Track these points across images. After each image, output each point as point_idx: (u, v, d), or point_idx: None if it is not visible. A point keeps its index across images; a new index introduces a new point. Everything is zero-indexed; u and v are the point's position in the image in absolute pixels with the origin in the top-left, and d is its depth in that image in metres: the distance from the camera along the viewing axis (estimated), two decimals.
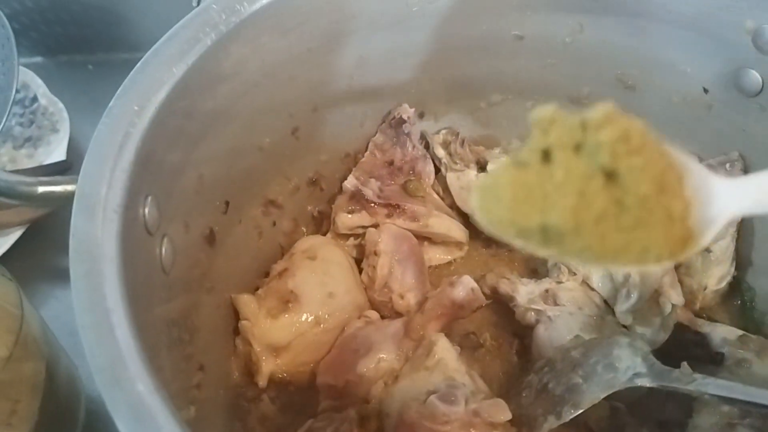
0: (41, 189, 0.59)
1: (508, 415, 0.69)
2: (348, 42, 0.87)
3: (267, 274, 0.91)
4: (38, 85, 1.26)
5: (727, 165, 0.89)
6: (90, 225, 0.55)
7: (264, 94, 0.82)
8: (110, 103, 0.64)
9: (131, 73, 0.67)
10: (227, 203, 0.83)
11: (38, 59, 1.43)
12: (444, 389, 0.71)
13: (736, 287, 0.93)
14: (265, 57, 0.80)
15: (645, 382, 0.65)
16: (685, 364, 0.68)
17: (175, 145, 0.70)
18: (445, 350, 0.78)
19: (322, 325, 0.85)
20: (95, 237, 0.54)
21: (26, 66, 1.25)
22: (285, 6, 0.78)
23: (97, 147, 0.60)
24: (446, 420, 0.68)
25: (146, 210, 0.63)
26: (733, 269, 0.91)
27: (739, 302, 0.93)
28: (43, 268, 1.09)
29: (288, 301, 0.85)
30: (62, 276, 1.06)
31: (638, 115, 0.93)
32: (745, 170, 0.89)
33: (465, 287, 0.84)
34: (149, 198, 0.64)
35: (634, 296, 0.79)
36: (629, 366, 0.66)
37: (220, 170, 0.80)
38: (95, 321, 0.48)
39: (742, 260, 0.92)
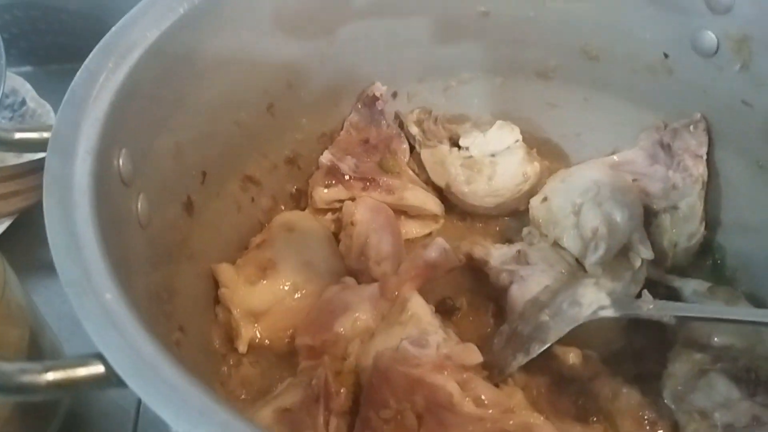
0: (18, 135, 0.61)
1: (479, 358, 0.70)
2: (317, 23, 0.91)
3: (246, 248, 0.93)
4: (27, 90, 1.29)
5: (691, 127, 0.92)
6: (63, 162, 0.57)
7: (238, 68, 0.85)
8: (86, 60, 0.67)
9: (107, 35, 0.70)
10: (204, 174, 0.85)
11: (28, 68, 1.45)
12: (417, 335, 0.72)
13: (706, 247, 0.95)
14: (238, 31, 0.83)
15: (608, 313, 0.67)
16: (645, 291, 0.70)
17: (149, 107, 0.72)
18: (418, 306, 0.79)
19: (299, 292, 0.87)
20: (68, 173, 0.56)
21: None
22: None
23: (73, 96, 0.63)
24: (417, 362, 0.69)
25: (120, 161, 0.65)
26: (702, 228, 0.93)
27: (710, 262, 0.95)
28: (31, 258, 1.10)
29: (266, 269, 0.87)
30: (50, 267, 1.07)
31: (604, 84, 0.98)
32: (708, 130, 0.92)
33: (438, 248, 0.86)
34: (123, 150, 0.66)
35: (602, 247, 0.82)
36: (593, 300, 0.68)
37: (196, 140, 0.82)
38: (65, 241, 0.51)
39: (711, 220, 0.94)
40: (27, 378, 0.44)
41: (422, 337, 0.71)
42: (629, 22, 0.92)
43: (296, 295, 0.86)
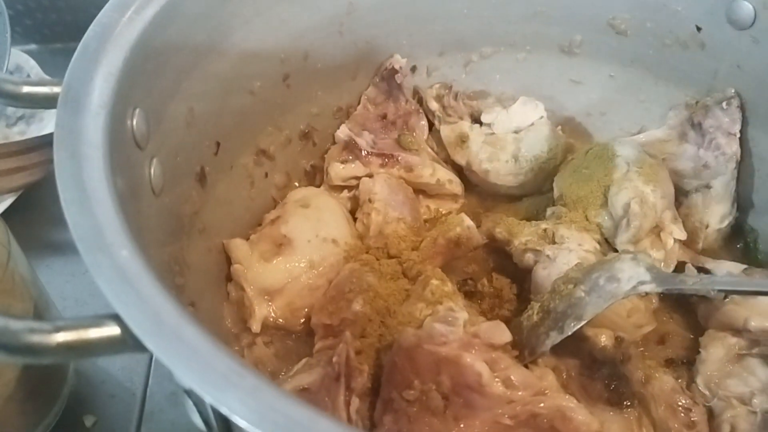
0: (26, 89, 0.57)
1: (509, 337, 0.67)
2: None
3: (260, 224, 0.89)
4: (31, 66, 1.25)
5: (724, 103, 0.89)
6: (75, 116, 0.53)
7: (254, 35, 0.82)
8: (99, 14, 0.63)
9: None
10: (218, 144, 0.82)
11: (33, 47, 1.41)
12: (442, 312, 0.69)
13: (738, 230, 0.92)
14: None
15: (649, 288, 0.63)
16: (689, 265, 0.66)
17: (163, 68, 0.68)
18: (441, 283, 0.76)
19: (315, 270, 0.83)
20: (80, 127, 0.53)
21: None
22: None
23: (85, 49, 0.59)
24: (444, 341, 0.65)
25: (134, 121, 0.62)
26: (735, 210, 0.90)
27: (741, 245, 0.92)
28: (34, 237, 1.07)
29: (281, 245, 0.83)
30: (54, 246, 1.04)
31: (632, 60, 0.95)
32: (742, 108, 0.88)
33: (461, 225, 0.83)
34: (137, 110, 0.62)
35: (634, 225, 0.78)
36: (632, 276, 0.64)
37: (210, 107, 0.79)
38: (77, 196, 0.47)
39: (743, 202, 0.91)
40: (36, 338, 0.40)
41: (448, 314, 0.68)
42: None
43: (312, 273, 0.82)
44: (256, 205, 0.91)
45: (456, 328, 0.66)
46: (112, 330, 0.41)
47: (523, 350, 0.69)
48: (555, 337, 0.66)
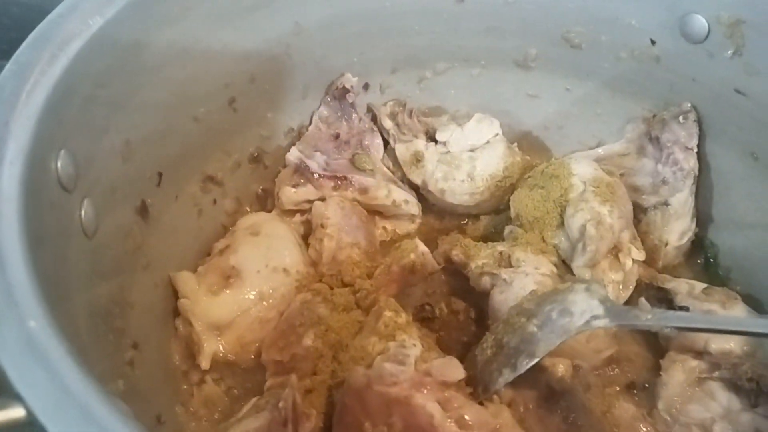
0: None
1: (462, 374, 0.64)
2: (282, 6, 0.84)
3: (209, 254, 0.86)
4: None
5: (681, 117, 0.87)
6: None
7: (196, 60, 0.78)
8: (17, 52, 0.59)
9: (42, 23, 0.63)
10: (160, 175, 0.78)
11: None
12: (393, 350, 0.66)
13: (698, 245, 0.90)
14: (195, 19, 0.76)
15: (603, 324, 0.61)
16: (642, 299, 0.65)
17: (93, 104, 0.65)
18: (395, 314, 0.73)
19: (266, 301, 0.80)
20: None
21: None
22: None
23: (1, 92, 0.55)
24: (395, 381, 0.63)
25: (59, 164, 0.58)
26: (694, 225, 0.88)
27: (702, 260, 0.91)
28: None
29: (229, 277, 0.80)
30: None
31: (588, 74, 0.93)
32: (699, 121, 0.87)
33: (414, 251, 0.80)
34: (62, 152, 0.59)
35: (591, 249, 0.76)
36: (585, 309, 0.62)
37: (149, 138, 0.75)
38: None
39: (702, 217, 0.90)
40: None
41: (399, 352, 0.65)
42: (615, 7, 0.86)
43: (262, 305, 0.80)
44: (205, 234, 0.88)
45: (407, 367, 0.64)
46: (17, 412, 0.38)
47: (478, 387, 0.66)
48: (508, 375, 0.64)
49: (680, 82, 0.87)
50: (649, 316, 0.59)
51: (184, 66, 0.77)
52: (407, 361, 0.64)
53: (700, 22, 0.81)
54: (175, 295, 0.80)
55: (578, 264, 0.78)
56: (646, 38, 0.86)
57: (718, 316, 0.62)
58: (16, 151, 0.53)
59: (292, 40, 0.88)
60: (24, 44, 0.60)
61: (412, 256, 0.80)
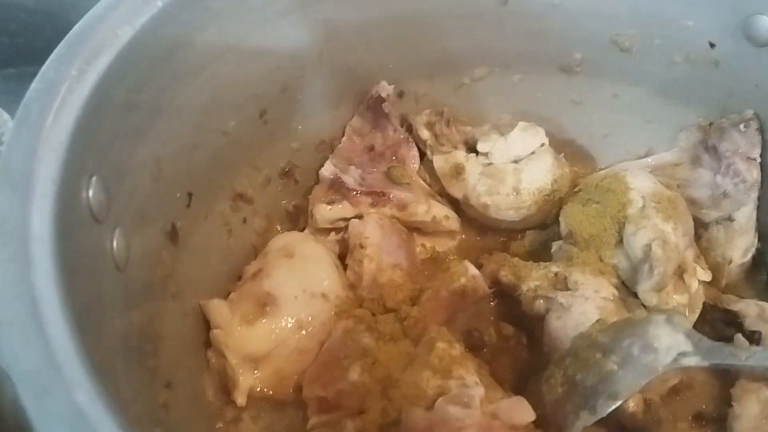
0: None
1: (532, 416, 0.59)
2: (315, 10, 0.78)
3: (239, 278, 0.80)
4: None
5: (742, 125, 0.82)
6: (16, 202, 0.44)
7: (226, 70, 0.73)
8: (42, 68, 0.53)
9: (68, 35, 0.57)
10: (190, 195, 0.73)
11: None
12: (455, 390, 0.61)
13: (759, 261, 0.85)
14: (225, 26, 0.70)
15: (693, 362, 0.56)
16: (739, 336, 0.59)
17: (123, 119, 0.59)
18: (448, 346, 0.67)
19: (305, 330, 0.74)
20: (23, 216, 0.43)
21: None
22: None
23: (27, 115, 0.50)
24: (460, 426, 0.57)
25: (90, 192, 0.52)
26: (756, 240, 0.83)
27: (764, 277, 0.85)
28: None
29: (265, 305, 0.74)
30: None
31: (637, 79, 0.87)
32: (762, 129, 0.81)
33: (465, 274, 0.75)
34: (94, 178, 0.53)
35: (659, 271, 0.70)
36: (670, 345, 0.57)
37: (180, 156, 0.70)
38: (20, 315, 0.38)
39: (764, 230, 0.84)
40: None
41: (462, 393, 0.60)
42: (670, 8, 0.81)
43: (301, 334, 0.74)
44: (235, 256, 0.82)
45: (473, 410, 0.58)
46: None
47: (549, 429, 0.61)
48: (586, 418, 0.59)
49: (741, 88, 0.82)
50: (748, 355, 0.54)
51: (215, 75, 0.71)
52: (472, 403, 0.59)
53: (766, 24, 0.75)
54: (206, 324, 0.75)
55: (644, 288, 0.72)
56: (705, 41, 0.81)
57: None
58: (46, 182, 0.47)
59: (325, 46, 0.82)
60: (49, 60, 0.54)
61: (463, 280, 0.75)
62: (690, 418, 0.72)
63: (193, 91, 0.69)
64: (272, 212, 0.87)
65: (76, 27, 0.57)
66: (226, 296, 0.78)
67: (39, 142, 0.48)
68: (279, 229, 0.88)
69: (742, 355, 0.54)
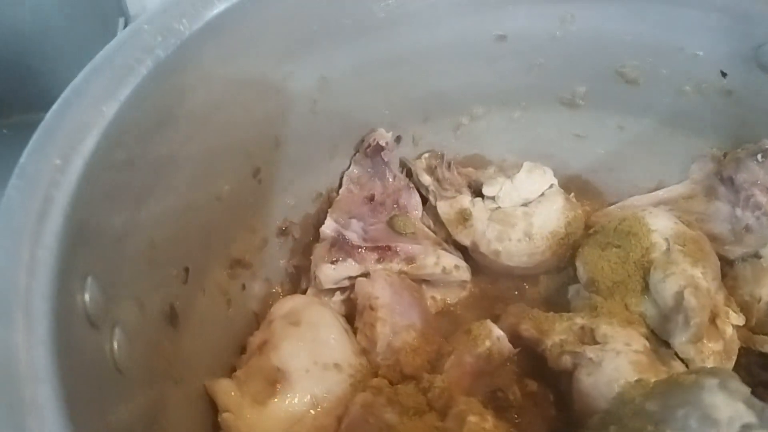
0: None
1: None
2: (307, 61, 0.73)
3: (244, 350, 0.74)
4: None
5: (759, 156, 0.78)
6: (6, 333, 0.38)
7: (216, 132, 0.67)
8: (21, 160, 0.47)
9: (47, 117, 0.51)
10: (187, 270, 0.67)
11: None
12: None
13: None
14: (214, 86, 0.65)
15: None
16: None
17: (115, 206, 0.54)
18: (480, 419, 0.63)
19: (320, 406, 0.68)
20: (16, 350, 0.37)
21: None
22: (232, 23, 0.63)
23: (9, 220, 0.43)
24: None
25: (87, 296, 0.47)
26: None
27: None
28: None
29: (275, 382, 0.68)
30: None
31: (644, 110, 0.84)
32: None
33: (489, 336, 0.70)
34: (89, 279, 0.47)
35: (695, 322, 0.66)
36: (732, 416, 0.52)
37: (174, 230, 0.64)
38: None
39: None
40: None
41: None
42: (678, 37, 0.77)
43: (318, 411, 0.68)
44: (237, 327, 0.77)
45: None
46: None
47: None
48: None
49: (755, 117, 0.79)
50: None
51: (204, 140, 0.66)
52: None
53: None
54: (214, 407, 0.69)
55: (681, 341, 0.68)
56: (716, 70, 0.78)
57: None
58: (38, 295, 0.41)
59: (318, 95, 0.77)
60: (28, 150, 0.48)
61: (487, 343, 0.70)
62: None
63: (185, 160, 0.63)
64: (272, 275, 0.82)
65: (54, 107, 0.51)
66: (230, 372, 0.72)
67: (26, 248, 0.42)
68: (280, 292, 0.83)
69: None
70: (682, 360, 0.70)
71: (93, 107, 0.52)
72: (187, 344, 0.67)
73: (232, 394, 0.68)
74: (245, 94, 0.69)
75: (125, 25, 0.67)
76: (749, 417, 0.52)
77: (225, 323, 0.75)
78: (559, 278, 0.85)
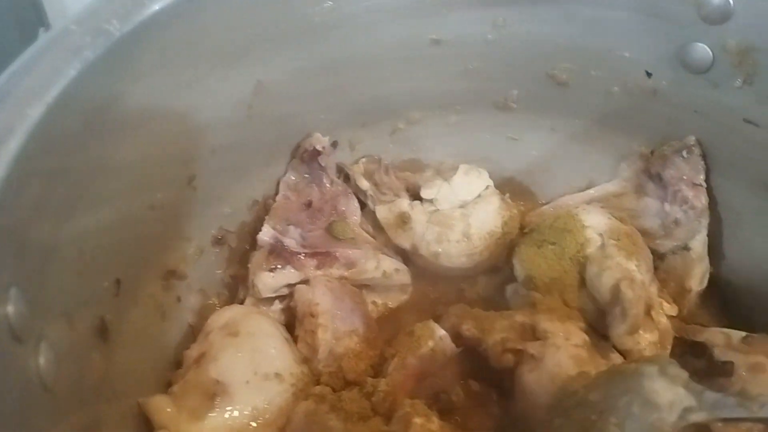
0: None
1: None
2: (243, 65, 0.72)
3: (180, 364, 0.72)
4: None
5: (684, 152, 0.81)
6: None
7: (150, 138, 0.65)
8: None
9: None
10: (118, 282, 0.65)
11: None
12: None
13: (712, 285, 0.84)
14: (147, 89, 0.63)
15: (701, 418, 0.52)
16: (744, 388, 0.57)
17: (42, 216, 0.51)
18: (425, 420, 0.62)
19: (262, 418, 0.67)
20: None
21: None
22: (165, 26, 0.62)
23: None
24: None
25: (10, 308, 0.44)
26: (709, 265, 0.82)
27: (719, 301, 0.84)
28: None
29: (214, 395, 0.66)
30: None
31: (575, 111, 0.86)
32: (704, 156, 0.81)
33: (432, 337, 0.70)
34: (13, 290, 0.45)
35: (632, 314, 0.67)
36: (673, 400, 0.53)
37: (105, 241, 0.62)
38: None
39: (714, 255, 0.83)
40: None
41: None
42: (606, 40, 0.79)
43: (259, 423, 0.67)
44: (173, 340, 0.74)
45: None
46: None
47: None
48: None
49: (680, 115, 0.81)
50: (760, 406, 0.51)
51: (137, 147, 0.64)
52: None
53: (703, 52, 0.75)
54: (148, 425, 0.66)
55: (618, 333, 0.69)
56: (642, 71, 0.80)
57: None
58: None
59: (254, 101, 0.76)
60: None
61: (430, 343, 0.70)
62: None
63: (116, 168, 0.61)
64: (208, 286, 0.80)
65: None
66: (166, 387, 0.69)
67: None
68: (217, 303, 0.80)
69: (753, 406, 0.51)
70: (620, 352, 0.71)
71: (16, 110, 0.50)
72: (119, 359, 0.64)
73: (168, 410, 0.65)
74: (179, 98, 0.67)
75: (48, 27, 0.64)
76: (689, 401, 0.53)
77: (160, 337, 0.72)
78: (496, 278, 0.86)
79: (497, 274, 0.87)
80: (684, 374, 0.55)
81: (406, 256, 0.86)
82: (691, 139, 0.81)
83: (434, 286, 0.87)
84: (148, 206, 0.68)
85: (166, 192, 0.69)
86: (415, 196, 0.86)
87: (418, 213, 0.84)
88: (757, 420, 0.52)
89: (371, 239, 0.85)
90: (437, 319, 0.77)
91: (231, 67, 0.70)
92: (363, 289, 0.83)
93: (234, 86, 0.72)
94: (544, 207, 0.91)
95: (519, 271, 0.80)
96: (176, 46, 0.62)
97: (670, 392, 0.54)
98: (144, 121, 0.63)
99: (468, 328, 0.75)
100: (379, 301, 0.84)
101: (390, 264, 0.82)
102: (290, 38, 0.73)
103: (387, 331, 0.80)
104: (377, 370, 0.72)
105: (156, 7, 0.58)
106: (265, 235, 0.78)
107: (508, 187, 0.93)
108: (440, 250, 0.82)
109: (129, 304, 0.67)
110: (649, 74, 0.80)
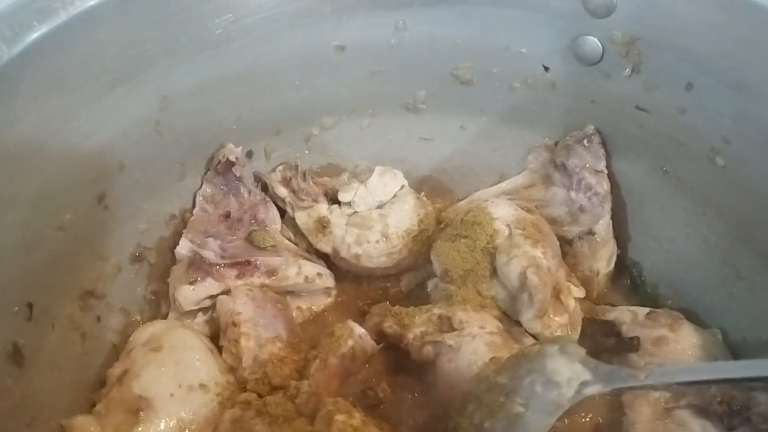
0: None
1: None
2: (144, 81, 0.72)
3: (104, 384, 0.72)
4: None
5: (585, 141, 0.85)
6: None
7: (53, 159, 0.65)
8: None
9: None
10: (30, 306, 0.64)
11: None
12: None
13: (620, 266, 0.88)
14: (44, 111, 0.63)
15: (595, 390, 0.56)
16: (634, 356, 0.60)
17: None
18: (348, 416, 0.64)
19: (188, 429, 0.68)
20: None
21: None
22: (57, 46, 0.62)
23: None
24: None
25: None
26: (615, 247, 0.86)
27: (627, 281, 0.89)
28: None
29: (138, 410, 0.67)
30: None
31: (481, 109, 0.89)
32: (604, 143, 0.85)
33: (351, 336, 0.71)
34: None
35: (539, 299, 0.70)
36: (571, 376, 0.56)
37: (12, 266, 0.61)
38: None
39: (619, 237, 0.87)
40: None
41: None
42: (503, 37, 0.83)
43: None
44: (95, 361, 0.74)
45: None
46: None
47: None
48: None
49: (578, 106, 0.85)
50: (646, 374, 0.54)
51: (40, 169, 0.64)
52: None
53: (593, 44, 0.79)
54: None
55: (528, 317, 0.72)
56: (539, 65, 0.83)
57: (727, 364, 0.58)
58: None
59: (161, 116, 0.76)
60: None
61: (350, 342, 0.71)
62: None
63: (16, 190, 0.61)
64: (129, 304, 0.79)
65: None
66: (91, 408, 0.69)
67: None
68: (139, 320, 0.80)
69: (640, 375, 0.55)
70: (532, 336, 0.74)
71: None
72: (37, 384, 0.64)
73: (92, 429, 0.65)
74: (78, 119, 0.67)
75: None
76: (585, 375, 0.56)
77: (80, 358, 0.72)
78: (419, 275, 0.88)
79: (419, 271, 0.89)
80: (582, 351, 0.58)
81: (329, 260, 0.87)
82: (591, 129, 0.85)
83: (358, 287, 0.89)
84: (57, 227, 0.68)
85: (75, 212, 0.69)
86: (334, 199, 0.88)
87: (336, 217, 0.85)
88: (647, 387, 0.55)
89: (293, 246, 0.87)
90: (362, 320, 0.80)
91: (132, 84, 0.71)
92: (287, 295, 0.84)
93: (137, 103, 0.72)
94: (460, 203, 0.93)
95: (436, 265, 0.82)
96: (70, 67, 0.63)
97: (568, 369, 0.57)
98: (44, 143, 0.63)
99: (389, 326, 0.77)
100: (304, 306, 0.85)
101: (312, 269, 0.83)
102: (193, 51, 0.74)
103: (314, 334, 0.81)
104: (302, 373, 0.74)
105: (44, 28, 0.58)
106: (183, 248, 0.79)
107: (426, 185, 0.96)
108: (360, 251, 0.84)
109: (44, 328, 0.67)
110: (546, 68, 0.83)
